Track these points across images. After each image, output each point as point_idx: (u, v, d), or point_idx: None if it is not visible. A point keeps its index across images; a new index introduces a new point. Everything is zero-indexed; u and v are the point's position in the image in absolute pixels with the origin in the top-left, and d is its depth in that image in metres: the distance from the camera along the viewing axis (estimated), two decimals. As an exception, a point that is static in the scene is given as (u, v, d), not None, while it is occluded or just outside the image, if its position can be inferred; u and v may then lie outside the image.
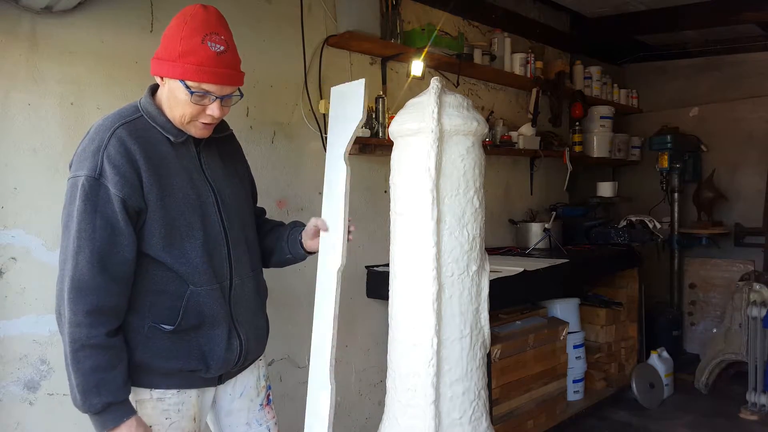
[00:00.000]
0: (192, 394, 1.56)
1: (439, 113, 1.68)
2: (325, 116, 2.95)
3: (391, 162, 1.85)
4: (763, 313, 3.74)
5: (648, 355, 4.20)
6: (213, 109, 1.51)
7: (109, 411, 1.37)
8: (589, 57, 4.99)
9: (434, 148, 1.66)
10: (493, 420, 2.04)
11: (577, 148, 4.52)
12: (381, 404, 1.93)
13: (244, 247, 1.65)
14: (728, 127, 4.96)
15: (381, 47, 3.11)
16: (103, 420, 1.37)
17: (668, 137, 4.74)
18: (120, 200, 1.40)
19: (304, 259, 1.82)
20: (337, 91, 1.81)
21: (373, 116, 3.01)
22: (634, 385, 3.87)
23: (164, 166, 1.49)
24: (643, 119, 5.38)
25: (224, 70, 1.47)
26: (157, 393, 1.50)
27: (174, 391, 1.52)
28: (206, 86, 1.46)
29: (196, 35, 1.44)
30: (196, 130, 1.55)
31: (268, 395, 1.78)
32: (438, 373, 1.69)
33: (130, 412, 1.41)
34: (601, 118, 4.71)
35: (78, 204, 1.40)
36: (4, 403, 2.01)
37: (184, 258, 1.49)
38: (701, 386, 4.14)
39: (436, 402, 1.69)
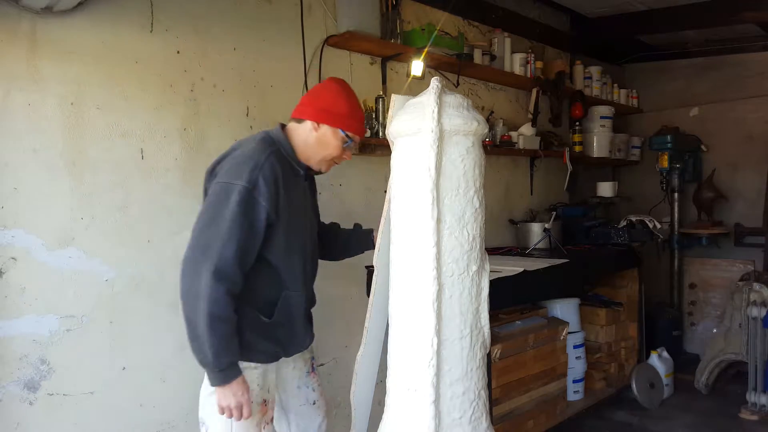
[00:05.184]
0: (272, 367, 1.97)
1: (439, 113, 1.68)
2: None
3: (391, 162, 1.86)
4: (763, 313, 3.74)
5: (648, 355, 4.19)
6: (348, 153, 2.01)
7: (230, 368, 1.76)
8: (589, 57, 4.99)
9: (434, 148, 1.66)
10: (493, 420, 2.04)
11: (577, 148, 4.52)
12: (381, 404, 1.93)
13: (317, 262, 2.11)
14: (728, 127, 4.96)
15: (381, 47, 3.11)
16: (225, 374, 1.75)
17: (668, 137, 4.74)
18: (265, 211, 1.78)
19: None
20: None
21: (373, 116, 3.01)
22: (634, 385, 3.87)
23: (292, 191, 1.90)
24: (643, 119, 5.38)
25: (364, 127, 2.02)
26: (253, 364, 1.88)
27: (264, 364, 1.92)
28: (356, 137, 1.99)
29: (354, 101, 1.99)
30: (327, 167, 2.02)
31: (313, 364, 2.20)
32: (438, 373, 1.69)
33: (240, 371, 1.79)
34: (601, 118, 4.71)
35: (232, 206, 1.74)
36: (4, 403, 2.02)
37: (291, 267, 1.92)
38: (701, 386, 4.14)
39: (436, 402, 1.69)
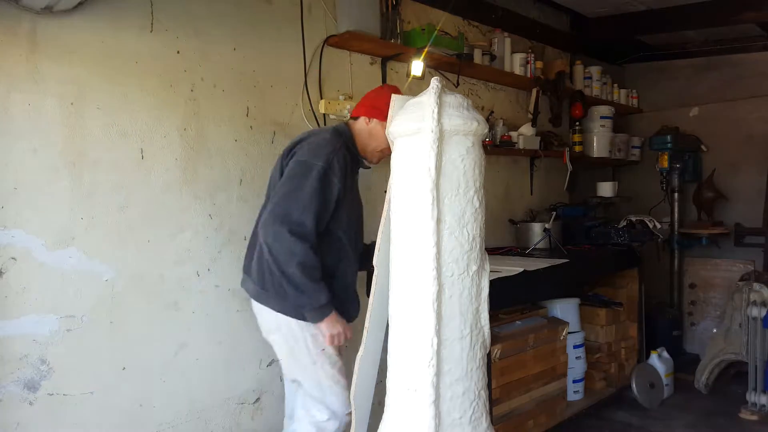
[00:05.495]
0: None
1: (439, 113, 1.68)
2: (325, 116, 2.95)
3: (391, 162, 1.86)
4: (763, 313, 3.74)
5: (648, 355, 4.19)
6: None
7: (327, 306, 2.12)
8: (589, 57, 4.98)
9: (434, 148, 1.66)
10: (493, 420, 2.04)
11: (577, 148, 4.52)
12: (381, 404, 1.93)
13: (362, 240, 2.44)
14: (728, 127, 4.96)
15: (381, 47, 3.11)
16: (322, 311, 2.12)
17: (668, 137, 4.74)
18: (337, 189, 2.14)
19: None
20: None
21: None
22: (634, 385, 3.87)
23: (353, 176, 2.30)
24: (643, 119, 5.38)
25: None
26: None
27: None
28: None
29: None
30: (377, 159, 2.39)
31: None
32: (438, 373, 1.69)
33: (332, 308, 2.15)
34: (601, 118, 4.70)
35: (312, 181, 2.09)
36: (4, 403, 2.02)
37: (348, 239, 2.26)
38: (701, 386, 4.14)
39: (436, 402, 1.69)
